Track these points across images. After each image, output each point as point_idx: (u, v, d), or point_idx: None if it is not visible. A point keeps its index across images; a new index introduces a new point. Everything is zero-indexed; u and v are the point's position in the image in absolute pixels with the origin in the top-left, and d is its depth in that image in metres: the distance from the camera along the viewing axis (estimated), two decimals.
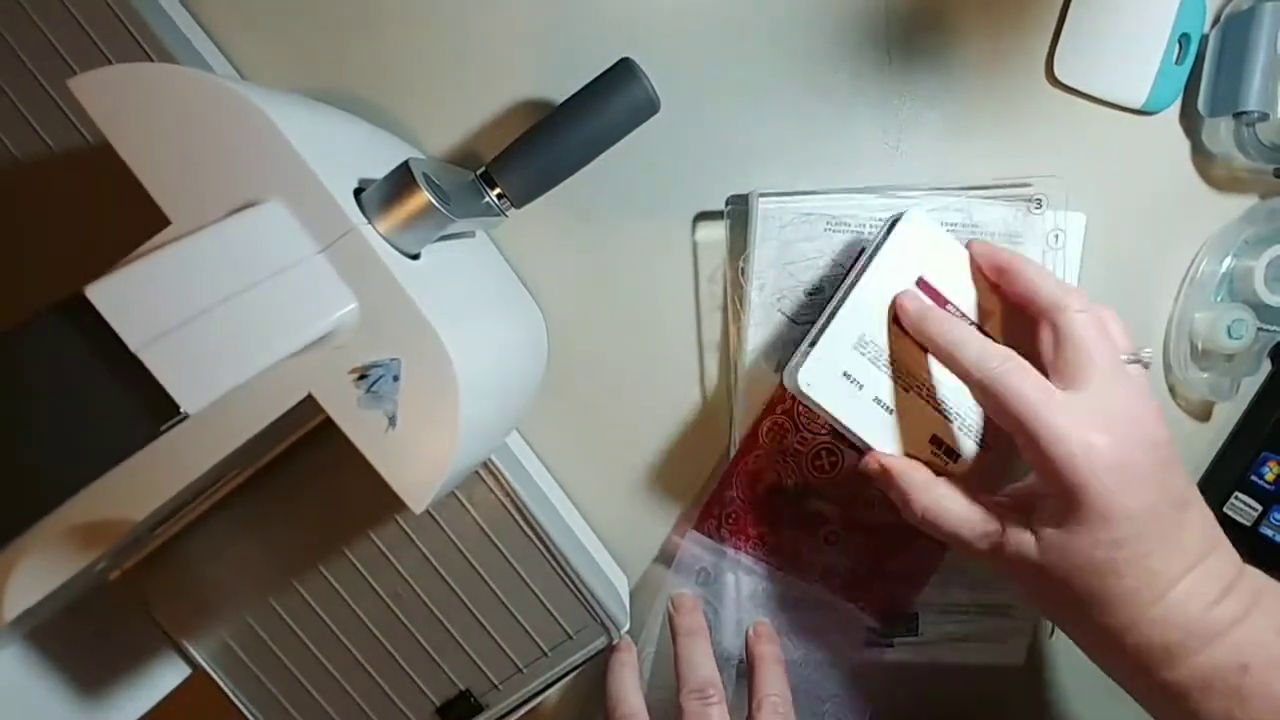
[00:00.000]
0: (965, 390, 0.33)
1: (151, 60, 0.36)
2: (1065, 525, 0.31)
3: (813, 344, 0.36)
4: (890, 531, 0.42)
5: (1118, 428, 0.30)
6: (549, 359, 0.42)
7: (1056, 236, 0.40)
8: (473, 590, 0.39)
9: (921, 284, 0.35)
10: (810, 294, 0.40)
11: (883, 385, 0.35)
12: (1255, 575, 0.32)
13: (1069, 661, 0.45)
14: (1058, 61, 0.40)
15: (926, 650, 0.44)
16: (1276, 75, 0.37)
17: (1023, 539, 0.32)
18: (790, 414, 0.41)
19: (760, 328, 0.41)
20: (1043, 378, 0.31)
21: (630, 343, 0.43)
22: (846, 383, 0.35)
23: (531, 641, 0.40)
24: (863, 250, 0.39)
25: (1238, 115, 0.38)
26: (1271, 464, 0.42)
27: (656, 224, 0.42)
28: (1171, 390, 0.43)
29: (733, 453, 0.42)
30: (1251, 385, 0.43)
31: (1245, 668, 0.30)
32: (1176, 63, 0.39)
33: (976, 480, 0.35)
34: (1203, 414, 0.44)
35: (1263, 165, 0.39)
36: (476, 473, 0.38)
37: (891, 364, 0.35)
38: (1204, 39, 0.39)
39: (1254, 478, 0.42)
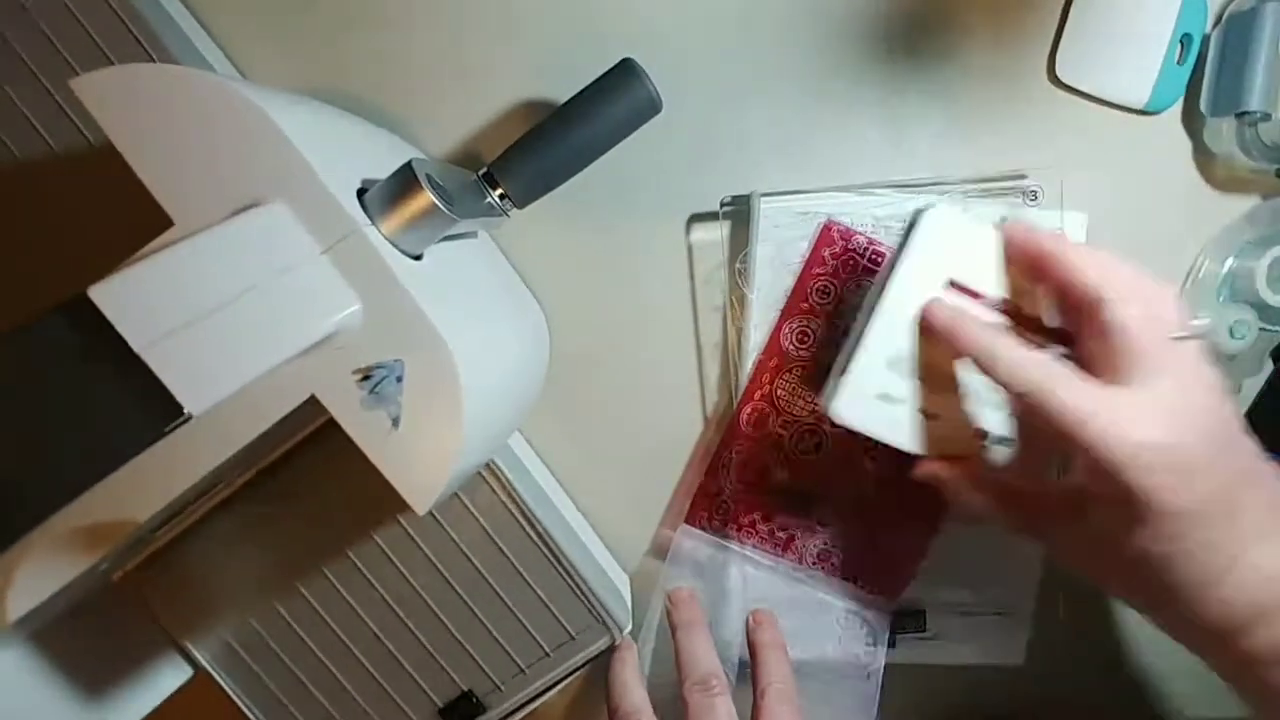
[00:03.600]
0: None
1: (154, 60, 0.36)
2: (1120, 524, 0.29)
3: (843, 371, 0.34)
4: (881, 507, 0.42)
5: (1170, 421, 0.28)
6: (551, 360, 0.42)
7: None
8: (475, 591, 0.39)
9: (953, 285, 0.33)
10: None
11: (921, 394, 0.34)
12: None
13: (1070, 662, 0.45)
14: (1059, 61, 0.40)
15: (928, 649, 0.44)
16: (1279, 75, 0.37)
17: (1073, 535, 0.31)
18: (769, 399, 0.41)
19: (760, 328, 0.41)
20: (1083, 380, 0.29)
21: (633, 343, 0.43)
22: (883, 402, 0.34)
23: (534, 642, 0.40)
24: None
25: (1240, 115, 0.38)
26: (1273, 464, 0.41)
27: (659, 223, 0.42)
28: None
29: None
30: (1253, 386, 0.43)
31: None
32: (1178, 63, 0.39)
33: (1031, 465, 0.34)
34: None
35: (1265, 165, 0.39)
36: (479, 474, 0.38)
37: (928, 370, 0.34)
38: (1206, 39, 0.39)
39: None
